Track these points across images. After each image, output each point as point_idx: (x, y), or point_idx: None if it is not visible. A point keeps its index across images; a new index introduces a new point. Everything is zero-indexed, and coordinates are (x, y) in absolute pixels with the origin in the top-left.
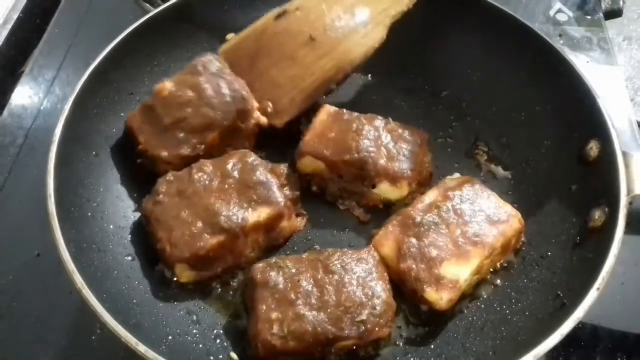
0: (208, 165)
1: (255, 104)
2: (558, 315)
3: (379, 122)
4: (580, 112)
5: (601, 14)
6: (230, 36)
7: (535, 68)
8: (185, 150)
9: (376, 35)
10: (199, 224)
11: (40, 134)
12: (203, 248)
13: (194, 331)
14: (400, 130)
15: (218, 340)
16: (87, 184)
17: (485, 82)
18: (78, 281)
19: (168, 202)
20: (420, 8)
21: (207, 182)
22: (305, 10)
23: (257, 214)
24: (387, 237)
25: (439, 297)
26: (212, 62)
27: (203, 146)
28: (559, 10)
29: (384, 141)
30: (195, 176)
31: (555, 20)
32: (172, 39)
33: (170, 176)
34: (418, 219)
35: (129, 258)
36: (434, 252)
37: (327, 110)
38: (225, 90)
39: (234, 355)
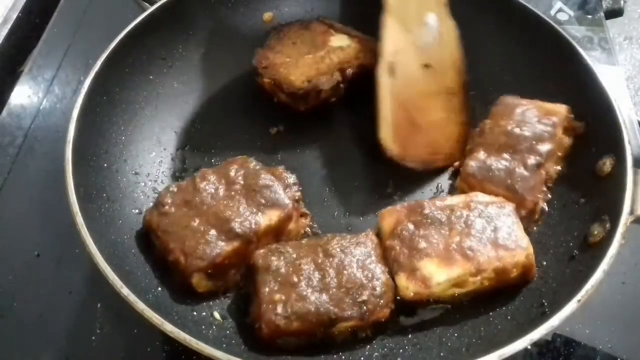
0: (211, 174)
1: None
2: (536, 323)
3: None
4: (600, 127)
5: (602, 14)
6: (267, 15)
7: (564, 77)
8: None
9: (450, 26)
10: (212, 232)
11: (39, 134)
12: (220, 255)
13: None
14: None
15: (204, 303)
16: (108, 136)
17: (515, 85)
18: (79, 222)
19: (175, 213)
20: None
21: (213, 190)
22: (403, 52)
23: (269, 218)
24: (392, 213)
25: (406, 286)
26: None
27: None
28: (560, 10)
29: None
30: (201, 185)
31: (556, 20)
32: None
33: (173, 187)
34: (427, 210)
35: (136, 211)
36: (422, 245)
37: None
38: None
39: (217, 314)
